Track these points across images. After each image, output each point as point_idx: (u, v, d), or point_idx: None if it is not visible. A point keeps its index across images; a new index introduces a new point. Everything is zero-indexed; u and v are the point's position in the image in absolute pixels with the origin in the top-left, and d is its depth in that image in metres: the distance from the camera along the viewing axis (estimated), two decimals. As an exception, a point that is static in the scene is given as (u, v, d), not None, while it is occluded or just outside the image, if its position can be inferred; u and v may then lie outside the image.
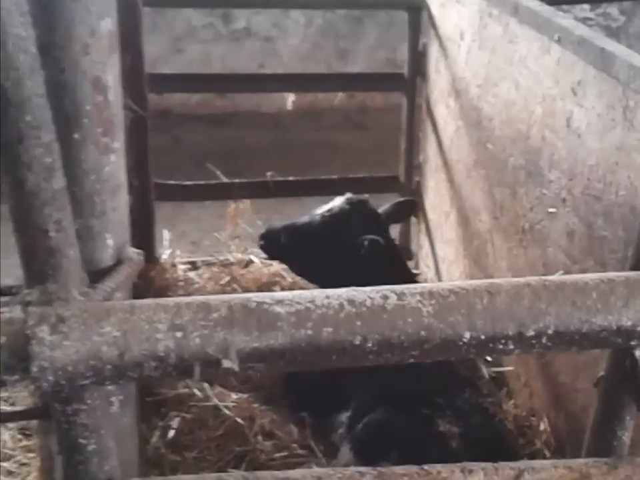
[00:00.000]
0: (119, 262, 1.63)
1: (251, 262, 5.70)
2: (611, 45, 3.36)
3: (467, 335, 1.53)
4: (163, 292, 5.15)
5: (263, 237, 4.87)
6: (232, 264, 5.66)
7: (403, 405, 3.62)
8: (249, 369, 1.49)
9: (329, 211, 4.67)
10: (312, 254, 4.61)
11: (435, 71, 5.38)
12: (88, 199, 1.58)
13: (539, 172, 3.96)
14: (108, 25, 1.53)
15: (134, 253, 1.66)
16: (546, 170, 3.89)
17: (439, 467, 1.67)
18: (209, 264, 5.67)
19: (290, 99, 5.61)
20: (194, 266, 5.68)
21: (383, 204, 7.11)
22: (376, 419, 3.65)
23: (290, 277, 5.55)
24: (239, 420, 4.14)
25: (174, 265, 5.59)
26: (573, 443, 3.73)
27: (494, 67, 4.45)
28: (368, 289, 1.56)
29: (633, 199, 3.21)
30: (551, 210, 3.85)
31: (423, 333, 1.52)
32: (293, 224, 4.86)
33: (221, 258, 5.76)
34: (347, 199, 4.71)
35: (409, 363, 3.87)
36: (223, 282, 5.27)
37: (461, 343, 1.54)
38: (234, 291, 5.25)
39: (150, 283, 5.20)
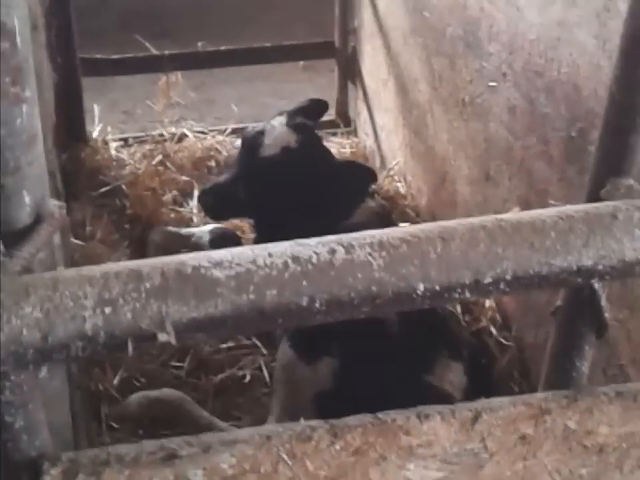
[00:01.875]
0: (38, 219, 1.46)
1: (184, 136, 5.50)
2: None
3: (421, 286, 1.41)
4: (94, 174, 4.97)
5: (201, 199, 4.45)
6: (165, 140, 5.45)
7: None
8: (188, 339, 1.35)
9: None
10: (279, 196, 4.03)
11: None
12: (-1, 156, 1.39)
13: (478, 44, 3.79)
14: (7, -39, 1.32)
15: (55, 207, 1.49)
16: (485, 42, 3.72)
17: (393, 414, 1.57)
18: (141, 141, 5.45)
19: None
20: (126, 143, 5.46)
21: (320, 71, 6.95)
22: None
23: (225, 150, 5.38)
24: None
25: (105, 143, 5.37)
26: (519, 319, 3.69)
27: None
28: (313, 241, 1.41)
29: (575, 77, 3.07)
30: (491, 84, 3.70)
31: (374, 288, 1.39)
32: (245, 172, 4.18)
33: (154, 133, 5.54)
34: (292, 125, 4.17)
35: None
36: (155, 161, 5.07)
37: (414, 296, 1.41)
38: (167, 170, 5.06)
39: (80, 165, 5.01)
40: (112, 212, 4.76)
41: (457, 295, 1.43)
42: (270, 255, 1.39)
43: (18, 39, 1.37)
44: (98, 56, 5.44)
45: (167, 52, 5.40)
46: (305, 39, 6.08)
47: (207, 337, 1.35)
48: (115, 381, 3.74)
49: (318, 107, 4.51)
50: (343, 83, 5.62)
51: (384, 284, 1.39)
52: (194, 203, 4.91)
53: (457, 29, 3.98)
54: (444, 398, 3.30)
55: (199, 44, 5.56)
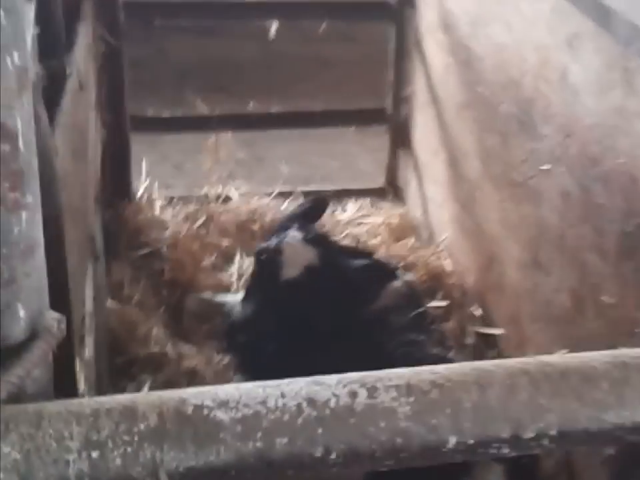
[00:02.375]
0: (33, 335, 1.31)
1: (229, 198, 5.37)
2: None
3: (453, 439, 1.24)
4: (136, 234, 4.85)
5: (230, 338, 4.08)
6: (209, 201, 5.33)
7: None
8: (185, 488, 1.19)
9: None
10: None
11: (424, 1, 4.97)
12: (-8, 268, 1.25)
13: (532, 124, 3.62)
14: (15, 60, 1.18)
15: (53, 321, 1.34)
16: (539, 123, 3.55)
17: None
18: (186, 201, 5.33)
19: (273, 27, 5.19)
20: (171, 202, 5.35)
21: (369, 139, 6.80)
22: None
23: (270, 213, 5.24)
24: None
25: (150, 201, 5.26)
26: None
27: (485, 5, 4.07)
28: (333, 380, 1.25)
29: (633, 169, 2.89)
30: (544, 167, 3.52)
31: (398, 439, 1.22)
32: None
33: (199, 193, 5.43)
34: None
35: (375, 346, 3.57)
36: (197, 224, 4.94)
37: (444, 450, 1.24)
38: (209, 233, 4.93)
39: (123, 224, 4.89)
40: (151, 275, 4.63)
41: (493, 450, 1.25)
42: (283, 396, 1.22)
43: (20, 142, 1.24)
44: (148, 114, 5.36)
45: (217, 111, 5.30)
46: (358, 99, 5.96)
47: (207, 486, 1.19)
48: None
49: (320, 205, 4.27)
50: (394, 151, 5.47)
51: (410, 435, 1.22)
52: (234, 269, 4.77)
53: (511, 107, 3.81)
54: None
55: (250, 103, 5.47)
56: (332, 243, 3.86)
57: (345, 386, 1.24)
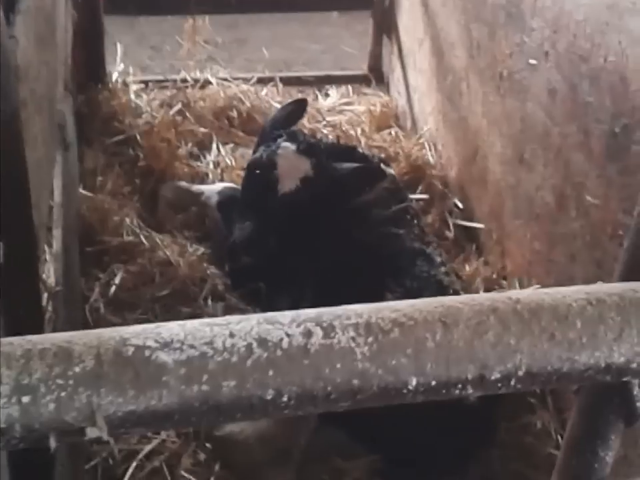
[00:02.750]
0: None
1: (208, 83, 5.21)
2: None
3: (414, 381, 1.15)
4: (109, 120, 4.71)
5: (234, 261, 3.87)
6: (187, 86, 5.17)
7: (350, 286, 3.24)
8: (124, 434, 1.11)
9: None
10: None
11: None
12: None
13: (521, 16, 3.46)
14: None
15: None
16: (528, 15, 3.40)
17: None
18: (162, 86, 5.17)
19: None
20: (147, 86, 5.18)
21: (354, 22, 6.58)
22: (321, 294, 3.28)
23: (248, 101, 5.10)
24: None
25: (125, 85, 5.10)
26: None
27: None
28: (287, 318, 1.16)
29: (623, 68, 2.77)
30: (531, 61, 3.39)
31: (355, 381, 1.14)
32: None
33: (176, 77, 5.26)
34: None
35: (352, 244, 3.50)
36: (173, 111, 4.79)
37: (405, 391, 1.16)
38: (185, 120, 4.79)
39: (96, 109, 4.75)
40: (124, 162, 4.51)
41: (456, 391, 1.17)
42: (231, 335, 1.13)
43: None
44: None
45: (195, -7, 5.09)
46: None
47: (147, 430, 1.11)
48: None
49: (300, 107, 4.11)
50: (378, 37, 5.31)
51: (368, 377, 1.14)
52: (210, 158, 4.65)
53: (499, -4, 3.65)
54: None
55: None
56: (322, 150, 3.71)
57: (299, 325, 1.15)
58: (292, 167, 3.59)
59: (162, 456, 3.13)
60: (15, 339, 1.12)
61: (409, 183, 4.39)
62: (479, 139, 4.03)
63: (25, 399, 1.06)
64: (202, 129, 4.78)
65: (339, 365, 1.13)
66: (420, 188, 4.36)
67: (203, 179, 4.51)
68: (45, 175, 3.37)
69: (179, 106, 4.83)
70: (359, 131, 4.88)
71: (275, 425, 3.21)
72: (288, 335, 1.14)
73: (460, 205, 4.28)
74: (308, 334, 1.14)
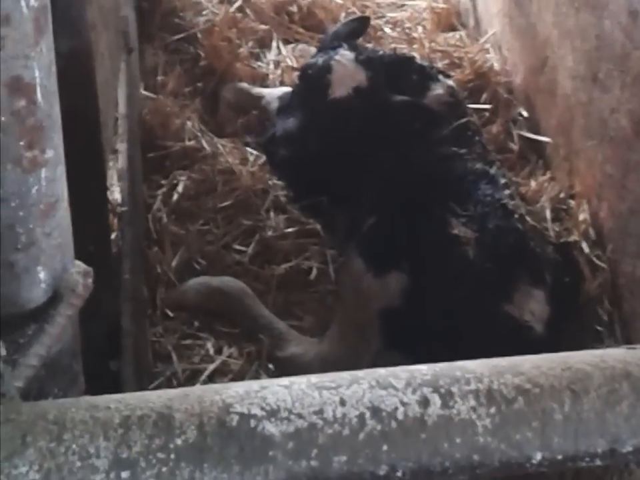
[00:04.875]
0: (56, 296, 1.09)
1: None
2: None
3: (538, 455, 1.03)
4: (170, 16, 4.50)
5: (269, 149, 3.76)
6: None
7: (411, 207, 3.12)
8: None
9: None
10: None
11: None
12: (7, 231, 1.02)
13: None
14: (31, 1, 0.90)
15: (78, 276, 1.12)
16: None
17: None
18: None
19: None
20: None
21: None
22: (385, 221, 3.14)
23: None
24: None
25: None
26: (616, 242, 3.26)
27: None
28: (401, 382, 1.03)
29: None
30: (614, -23, 3.13)
31: (475, 456, 1.02)
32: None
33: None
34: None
35: (413, 160, 3.32)
36: (233, 7, 4.55)
37: (527, 465, 1.04)
38: (245, 17, 4.55)
39: (157, 4, 4.53)
40: (185, 61, 4.32)
41: (583, 464, 1.05)
42: (342, 403, 1.01)
43: (38, 94, 0.97)
44: None
45: None
46: None
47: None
48: (174, 263, 3.42)
49: (362, 24, 3.89)
50: None
51: (490, 452, 1.02)
52: (271, 57, 4.44)
53: None
54: (523, 331, 2.96)
55: None
56: (381, 65, 3.51)
57: (414, 391, 1.02)
58: (347, 73, 3.44)
59: (224, 377, 3.07)
60: (113, 401, 1.00)
61: (473, 90, 4.16)
62: (548, 49, 3.79)
63: (125, 475, 0.96)
64: (262, 26, 4.55)
65: (458, 440, 1.02)
66: (484, 96, 4.13)
67: (263, 79, 4.32)
68: (111, 90, 3.22)
69: (239, 2, 4.59)
70: (421, 31, 4.63)
71: (337, 347, 3.14)
72: (403, 404, 1.02)
73: (525, 114, 4.06)
74: (425, 402, 1.02)
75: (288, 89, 4.02)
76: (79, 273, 1.14)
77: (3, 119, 0.96)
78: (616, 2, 3.12)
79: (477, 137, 3.53)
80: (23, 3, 0.92)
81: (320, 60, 3.46)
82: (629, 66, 3.08)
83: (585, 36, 3.41)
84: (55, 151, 1.04)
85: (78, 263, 1.15)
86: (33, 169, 1.01)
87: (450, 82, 3.72)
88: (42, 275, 1.09)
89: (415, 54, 4.16)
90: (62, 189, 1.09)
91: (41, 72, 0.97)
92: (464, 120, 3.53)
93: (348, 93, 3.37)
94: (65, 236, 1.13)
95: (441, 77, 3.66)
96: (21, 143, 0.99)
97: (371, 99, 3.35)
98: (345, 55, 3.44)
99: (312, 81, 3.47)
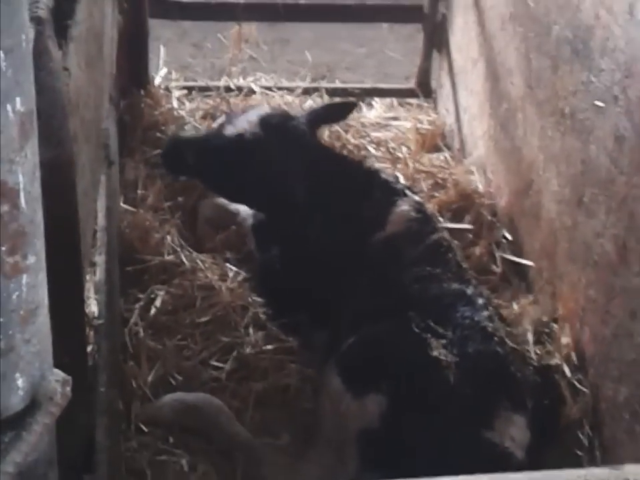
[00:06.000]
0: (34, 404, 1.10)
1: (251, 92, 5.09)
2: None
3: None
4: (151, 129, 4.60)
5: (164, 152, 4.06)
6: (231, 90, 5.05)
7: (390, 328, 3.17)
8: None
9: (239, 134, 3.86)
10: (224, 179, 3.93)
11: None
12: (-15, 338, 1.04)
13: (588, 54, 3.31)
14: (17, 106, 0.94)
15: (57, 385, 1.13)
16: (597, 54, 3.24)
17: None
18: (206, 92, 5.05)
19: None
20: (189, 92, 5.07)
21: (399, 27, 6.42)
22: (365, 341, 3.19)
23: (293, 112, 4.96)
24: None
25: (168, 90, 4.99)
26: (597, 366, 3.29)
27: None
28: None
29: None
30: (598, 103, 3.23)
31: None
32: (199, 141, 4.07)
33: (219, 84, 5.14)
34: (263, 119, 3.89)
35: (389, 282, 3.43)
36: (217, 122, 4.66)
37: None
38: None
39: (139, 118, 4.63)
40: (165, 175, 4.39)
41: None
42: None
43: (22, 200, 1.00)
44: (169, -1, 5.03)
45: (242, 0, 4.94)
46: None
47: None
48: (150, 378, 3.42)
49: (344, 109, 4.18)
50: (428, 51, 5.14)
51: None
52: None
53: (565, 31, 3.49)
54: (504, 458, 2.96)
55: (278, -6, 5.11)
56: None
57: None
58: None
59: None
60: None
61: (457, 211, 4.25)
62: (533, 172, 3.88)
63: None
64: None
65: None
66: (468, 217, 4.21)
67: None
68: (90, 202, 3.26)
69: (223, 117, 4.70)
70: (405, 151, 4.75)
71: (314, 468, 3.14)
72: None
73: (509, 237, 4.14)
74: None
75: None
76: (58, 382, 1.14)
77: (-18, 225, 0.98)
78: (602, 127, 3.21)
79: (450, 253, 3.58)
80: (9, 107, 0.95)
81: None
82: (614, 191, 3.16)
83: (570, 160, 3.50)
84: (36, 257, 1.06)
85: (56, 371, 1.16)
86: (14, 275, 1.04)
87: (416, 197, 3.80)
88: (20, 382, 1.10)
89: (399, 174, 4.26)
90: (42, 296, 1.11)
91: (25, 177, 1.00)
92: (435, 237, 3.59)
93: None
94: (45, 343, 1.14)
95: (407, 192, 3.75)
96: (3, 248, 1.01)
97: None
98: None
99: None
